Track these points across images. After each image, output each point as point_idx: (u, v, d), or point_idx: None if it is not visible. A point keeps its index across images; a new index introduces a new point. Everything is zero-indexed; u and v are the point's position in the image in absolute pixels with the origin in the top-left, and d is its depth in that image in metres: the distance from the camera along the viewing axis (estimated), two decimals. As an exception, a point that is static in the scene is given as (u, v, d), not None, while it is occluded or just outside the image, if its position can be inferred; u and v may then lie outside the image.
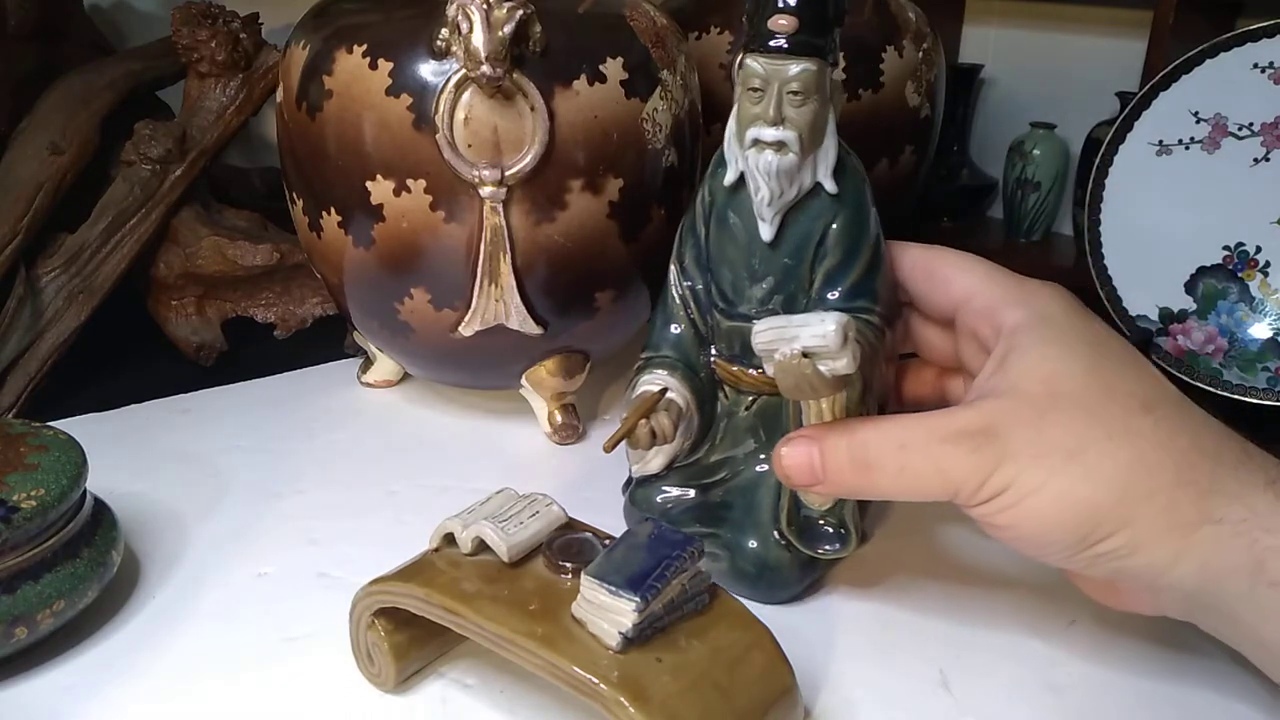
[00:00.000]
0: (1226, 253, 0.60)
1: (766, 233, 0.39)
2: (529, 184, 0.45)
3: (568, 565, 0.32)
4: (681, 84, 0.50)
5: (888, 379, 0.43)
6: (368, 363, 0.60)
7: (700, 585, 0.32)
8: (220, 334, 0.63)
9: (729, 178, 0.39)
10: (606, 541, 0.34)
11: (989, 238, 0.87)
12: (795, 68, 0.36)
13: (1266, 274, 0.59)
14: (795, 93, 0.36)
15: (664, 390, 0.41)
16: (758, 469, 0.42)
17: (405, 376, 0.60)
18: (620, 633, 0.29)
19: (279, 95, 0.51)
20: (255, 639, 0.39)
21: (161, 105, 0.73)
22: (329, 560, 0.44)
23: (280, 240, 0.67)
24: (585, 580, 0.30)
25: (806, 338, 0.33)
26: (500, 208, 0.45)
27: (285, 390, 0.60)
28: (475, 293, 0.47)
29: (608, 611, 0.30)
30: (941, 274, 0.39)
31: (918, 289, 0.40)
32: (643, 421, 0.40)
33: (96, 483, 0.40)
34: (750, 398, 0.42)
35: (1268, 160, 0.59)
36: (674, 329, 0.43)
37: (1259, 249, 0.59)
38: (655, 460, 0.43)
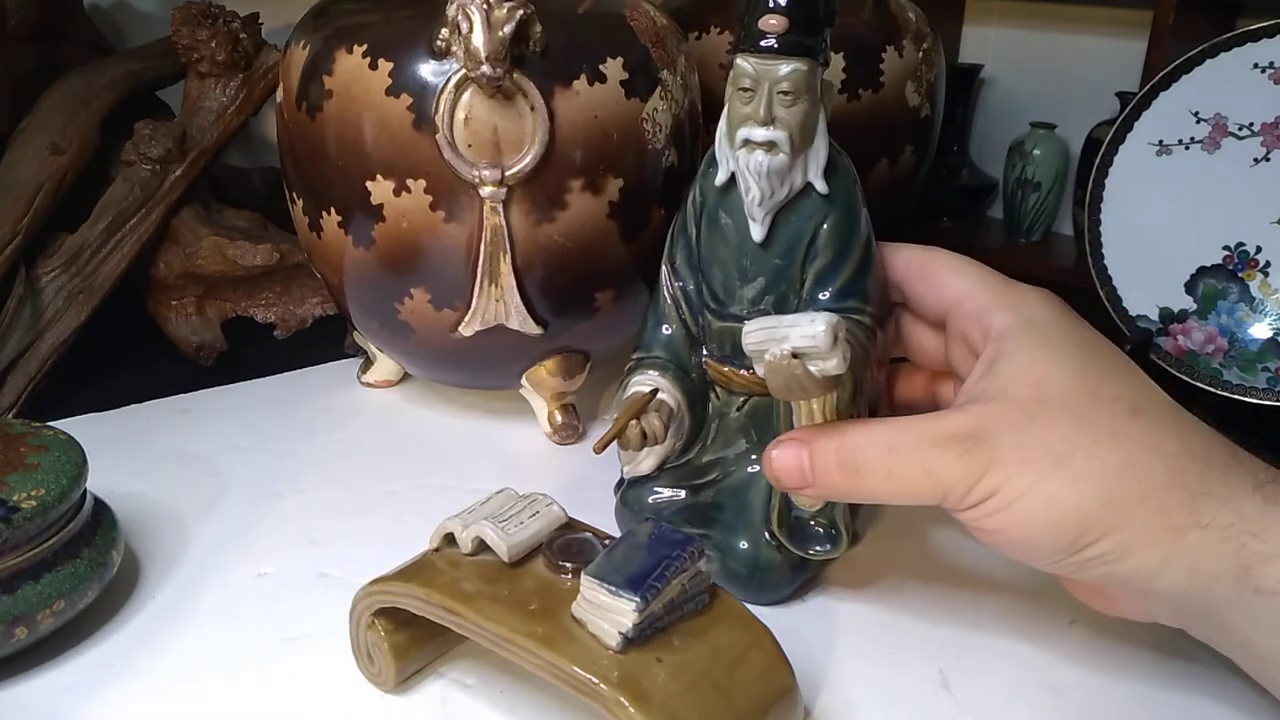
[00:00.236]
0: (1226, 253, 0.60)
1: (758, 233, 0.39)
2: (529, 184, 0.45)
3: (568, 565, 0.32)
4: (681, 84, 0.50)
5: (879, 381, 0.43)
6: (368, 363, 0.60)
7: (700, 585, 0.32)
8: (220, 334, 0.63)
9: (720, 178, 0.39)
10: (606, 541, 0.34)
11: (989, 238, 0.87)
12: (786, 68, 0.36)
13: (1266, 274, 0.59)
14: (786, 93, 0.36)
15: (655, 391, 0.41)
16: (749, 470, 0.42)
17: (405, 376, 0.60)
18: (620, 633, 0.29)
19: (279, 95, 0.51)
20: (255, 639, 0.39)
21: (161, 105, 0.73)
22: (329, 560, 0.44)
23: (280, 240, 0.67)
24: (585, 580, 0.30)
25: (796, 338, 0.33)
26: (500, 208, 0.45)
27: (285, 390, 0.60)
28: (475, 293, 0.47)
29: (608, 611, 0.30)
30: (936, 275, 0.39)
31: (914, 290, 0.40)
32: (633, 422, 0.40)
33: (96, 483, 0.40)
34: (741, 398, 0.42)
35: (1268, 160, 0.59)
36: (665, 330, 0.43)
37: (1259, 249, 0.59)
38: (646, 461, 0.43)
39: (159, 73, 0.71)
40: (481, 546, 0.34)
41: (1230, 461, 0.32)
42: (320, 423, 0.56)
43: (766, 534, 0.40)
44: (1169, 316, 0.61)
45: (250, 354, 0.64)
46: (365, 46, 0.45)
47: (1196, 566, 0.31)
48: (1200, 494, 0.31)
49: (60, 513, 0.37)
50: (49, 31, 0.72)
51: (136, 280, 0.64)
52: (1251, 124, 0.59)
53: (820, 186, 0.38)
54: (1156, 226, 0.61)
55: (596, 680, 0.29)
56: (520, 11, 0.43)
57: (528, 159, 0.45)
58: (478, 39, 0.42)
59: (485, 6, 0.42)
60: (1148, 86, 0.61)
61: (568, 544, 0.33)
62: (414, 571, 0.34)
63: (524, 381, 0.53)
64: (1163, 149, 0.61)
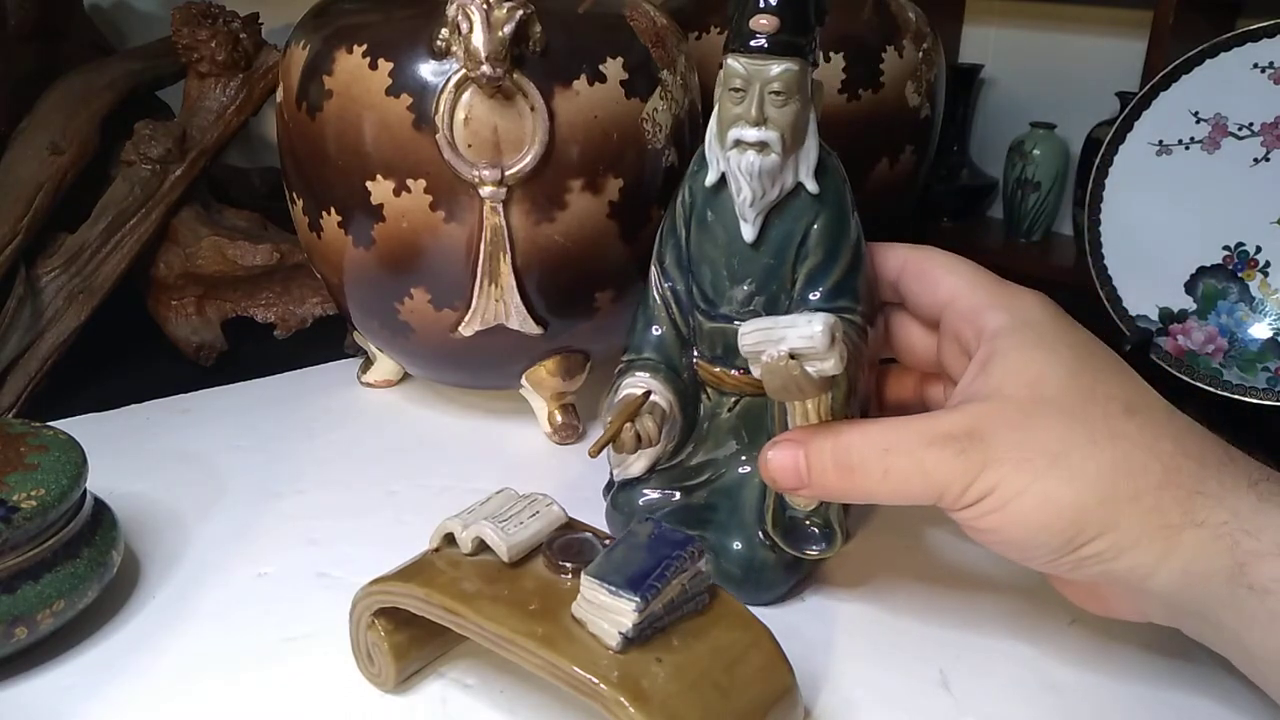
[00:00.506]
0: (1226, 253, 0.60)
1: (749, 233, 0.38)
2: (529, 184, 0.45)
3: (568, 565, 0.32)
4: (681, 84, 0.50)
5: (869, 382, 0.43)
6: (368, 363, 0.60)
7: (700, 585, 0.32)
8: (220, 334, 0.63)
9: (710, 178, 0.39)
10: (606, 541, 0.34)
11: (989, 238, 0.87)
12: (777, 68, 0.36)
13: (1266, 274, 0.59)
14: (777, 93, 0.36)
15: (648, 393, 0.41)
16: (741, 470, 0.42)
17: (405, 376, 0.60)
18: (620, 633, 0.29)
19: (279, 95, 0.51)
20: (255, 639, 0.39)
21: (161, 105, 0.73)
22: (329, 560, 0.44)
23: (280, 240, 0.67)
24: (585, 580, 0.30)
25: (793, 339, 0.33)
26: (500, 208, 0.45)
27: (285, 390, 0.60)
28: (475, 293, 0.47)
29: (608, 611, 0.30)
30: (931, 275, 0.39)
31: (908, 289, 0.40)
32: (627, 425, 0.39)
33: (96, 483, 0.40)
34: (733, 399, 0.42)
35: (1268, 160, 0.59)
36: (655, 331, 0.43)
37: (1259, 249, 0.59)
38: (637, 464, 0.43)
39: (159, 73, 0.71)
40: (481, 546, 0.34)
41: (1224, 460, 0.32)
42: (320, 423, 0.56)
43: (760, 534, 0.40)
44: (1169, 316, 0.61)
45: (250, 354, 0.64)
46: (365, 46, 0.45)
47: (1191, 564, 0.31)
48: (1195, 492, 0.31)
49: (60, 513, 0.37)
50: (49, 31, 0.72)
51: (136, 280, 0.64)
52: (1251, 124, 0.59)
53: (811, 186, 0.38)
54: (1156, 226, 0.61)
55: (596, 680, 0.29)
56: (520, 11, 0.43)
57: (528, 159, 0.45)
58: (478, 39, 0.42)
59: (485, 6, 0.42)
60: (1148, 86, 0.61)
61: (568, 544, 0.33)
62: (414, 571, 0.34)
63: (524, 381, 0.53)
64: (1163, 149, 0.61)
